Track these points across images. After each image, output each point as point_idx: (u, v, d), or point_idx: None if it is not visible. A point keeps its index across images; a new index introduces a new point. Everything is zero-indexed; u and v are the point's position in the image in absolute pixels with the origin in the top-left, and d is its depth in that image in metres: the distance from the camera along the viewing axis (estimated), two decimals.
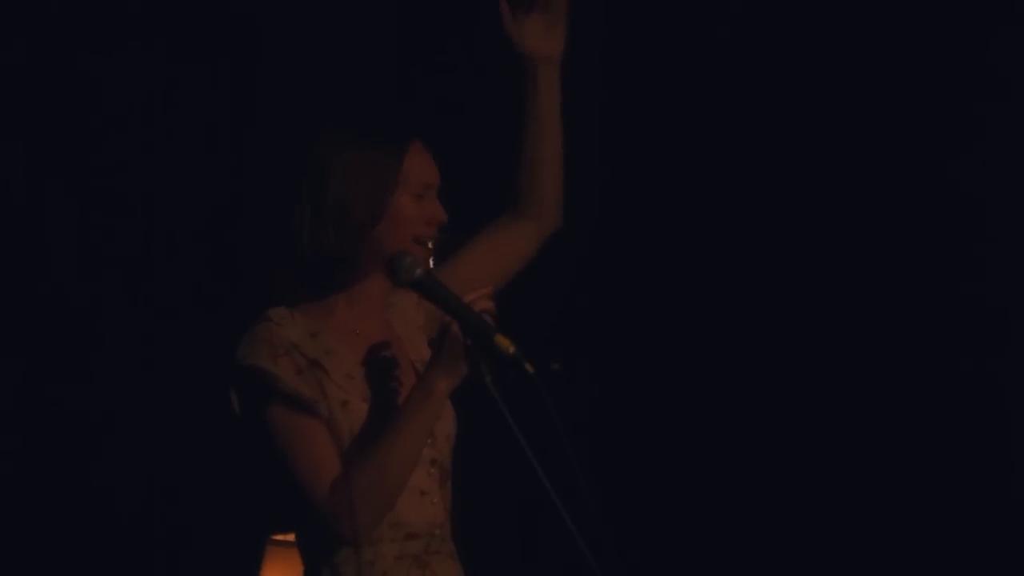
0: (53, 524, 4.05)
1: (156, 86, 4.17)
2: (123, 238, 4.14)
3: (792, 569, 3.97)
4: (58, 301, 4.07)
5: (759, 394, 4.04)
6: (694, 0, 4.14)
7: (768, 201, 4.06)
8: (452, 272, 2.85)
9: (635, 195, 4.25)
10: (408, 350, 2.89)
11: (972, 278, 3.77)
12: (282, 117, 4.21)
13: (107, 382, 4.11)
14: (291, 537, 3.57)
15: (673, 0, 4.16)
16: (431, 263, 2.79)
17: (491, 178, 2.96)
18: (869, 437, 3.89)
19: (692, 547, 4.11)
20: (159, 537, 4.15)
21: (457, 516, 2.84)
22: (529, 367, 2.55)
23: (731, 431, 4.07)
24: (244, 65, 4.26)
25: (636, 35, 4.22)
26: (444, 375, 2.64)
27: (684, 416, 4.14)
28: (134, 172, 4.15)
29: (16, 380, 4.03)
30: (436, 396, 2.65)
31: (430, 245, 2.80)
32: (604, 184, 4.20)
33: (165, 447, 4.13)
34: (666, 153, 4.20)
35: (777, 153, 4.04)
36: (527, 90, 3.00)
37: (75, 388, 4.08)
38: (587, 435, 3.09)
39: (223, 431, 4.00)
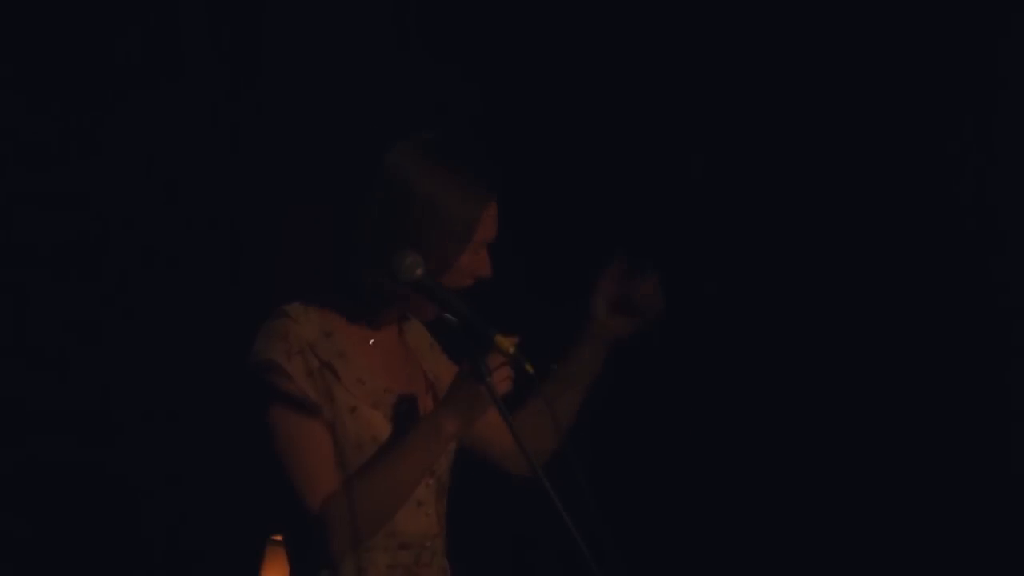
0: (53, 524, 4.04)
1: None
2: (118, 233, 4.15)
3: (792, 569, 3.97)
4: (56, 301, 4.07)
5: (759, 394, 4.04)
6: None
7: (766, 201, 4.06)
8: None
9: (635, 198, 4.25)
10: (422, 363, 2.88)
11: (977, 280, 3.78)
12: (285, 110, 4.22)
13: (107, 382, 4.11)
14: None
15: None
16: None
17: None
18: (869, 437, 3.89)
19: (692, 549, 4.11)
20: (159, 537, 4.15)
21: (450, 529, 2.83)
22: (529, 367, 2.54)
23: (731, 432, 4.07)
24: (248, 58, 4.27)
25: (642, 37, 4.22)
26: (455, 418, 2.60)
27: (684, 417, 4.14)
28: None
29: (12, 379, 4.03)
30: (444, 437, 2.62)
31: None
32: (605, 191, 4.21)
33: (165, 447, 4.13)
34: (666, 156, 4.20)
35: (774, 153, 4.04)
36: (572, 348, 2.95)
37: (74, 389, 4.07)
38: (586, 435, 3.08)
39: (224, 431, 4.02)
